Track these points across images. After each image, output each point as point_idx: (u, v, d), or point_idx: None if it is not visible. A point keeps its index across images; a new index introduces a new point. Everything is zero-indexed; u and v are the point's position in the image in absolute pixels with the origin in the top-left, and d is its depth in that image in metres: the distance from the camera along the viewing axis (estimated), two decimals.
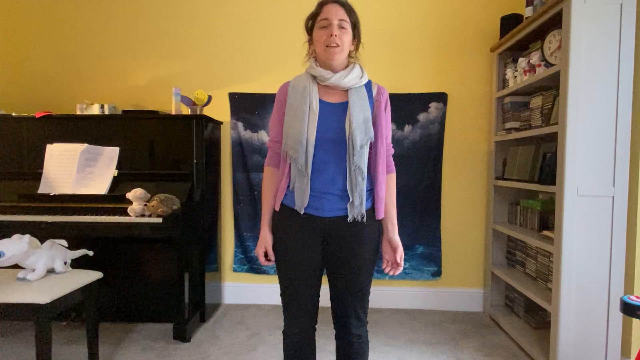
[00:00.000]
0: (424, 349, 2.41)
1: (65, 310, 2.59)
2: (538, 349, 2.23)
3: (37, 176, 2.59)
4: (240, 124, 3.02)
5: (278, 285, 1.51)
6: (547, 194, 2.55)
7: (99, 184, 2.52)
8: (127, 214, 2.35)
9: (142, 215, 2.34)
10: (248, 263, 3.08)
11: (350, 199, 1.38)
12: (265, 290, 3.10)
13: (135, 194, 2.34)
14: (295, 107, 1.40)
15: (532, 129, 2.37)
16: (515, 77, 2.60)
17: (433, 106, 2.96)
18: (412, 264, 3.02)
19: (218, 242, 3.03)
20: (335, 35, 1.36)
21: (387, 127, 1.47)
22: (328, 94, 1.43)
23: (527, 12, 2.41)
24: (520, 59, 2.50)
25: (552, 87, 2.36)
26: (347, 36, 1.40)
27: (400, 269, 1.47)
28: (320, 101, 1.41)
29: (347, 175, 1.38)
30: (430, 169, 2.97)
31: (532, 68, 2.39)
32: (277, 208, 1.46)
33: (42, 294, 1.71)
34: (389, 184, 1.48)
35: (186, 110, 2.86)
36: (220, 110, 3.05)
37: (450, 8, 2.95)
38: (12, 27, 3.12)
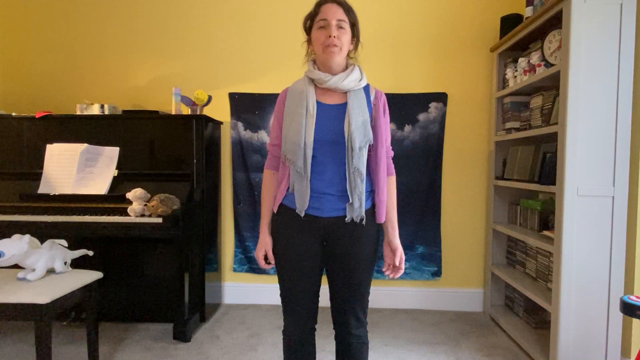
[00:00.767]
0: (424, 349, 2.41)
1: (65, 310, 2.59)
2: (538, 349, 2.23)
3: (37, 176, 2.59)
4: (240, 124, 3.02)
5: (278, 285, 1.52)
6: (547, 194, 2.55)
7: (99, 184, 2.52)
8: (127, 214, 2.35)
9: (142, 215, 2.34)
10: (248, 263, 3.08)
11: (350, 201, 1.38)
12: (265, 290, 3.10)
13: (135, 194, 2.34)
14: (292, 111, 1.40)
15: (532, 129, 2.37)
16: (515, 77, 2.60)
17: (433, 106, 2.96)
18: (412, 264, 3.02)
19: (218, 242, 3.03)
20: (334, 36, 1.36)
21: (387, 130, 1.47)
22: (326, 96, 1.43)
23: (527, 12, 2.41)
24: (520, 59, 2.50)
25: (552, 87, 2.36)
26: (346, 36, 1.40)
27: (401, 272, 1.47)
28: (318, 103, 1.41)
29: (347, 177, 1.38)
30: (430, 169, 2.97)
31: (532, 68, 2.39)
32: (276, 210, 1.46)
33: (42, 294, 1.71)
34: (389, 187, 1.48)
35: (186, 110, 2.86)
36: (220, 110, 3.06)
37: (450, 8, 2.95)
38: (12, 27, 3.12)
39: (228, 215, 3.10)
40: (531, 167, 2.41)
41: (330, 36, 1.36)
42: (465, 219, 3.03)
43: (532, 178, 2.38)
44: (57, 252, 1.92)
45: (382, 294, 3.06)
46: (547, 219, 2.46)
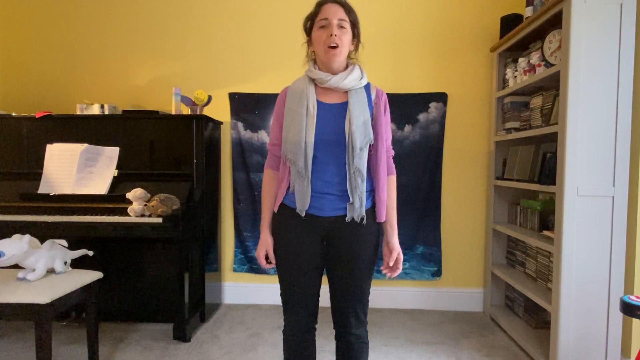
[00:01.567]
0: (424, 349, 2.41)
1: (65, 310, 2.59)
2: (538, 349, 2.23)
3: (37, 176, 2.59)
4: (240, 124, 3.02)
5: (278, 285, 1.53)
6: (547, 194, 2.55)
7: (99, 184, 2.52)
8: (127, 214, 2.35)
9: (142, 215, 2.34)
10: (248, 263, 3.08)
11: (351, 200, 1.38)
12: (265, 290, 3.10)
13: (135, 194, 2.34)
14: (293, 110, 1.40)
15: (532, 129, 2.37)
16: (515, 77, 2.60)
17: (433, 106, 2.96)
18: (412, 264, 3.02)
19: (218, 242, 3.03)
20: (335, 35, 1.36)
21: (387, 129, 1.47)
22: (327, 95, 1.43)
23: (527, 12, 2.41)
24: (520, 59, 2.50)
25: (552, 87, 2.36)
26: (347, 36, 1.40)
27: (398, 272, 1.46)
28: (319, 102, 1.41)
29: (347, 177, 1.38)
30: (430, 169, 2.97)
31: (532, 68, 2.39)
32: (276, 210, 1.46)
33: (42, 294, 1.71)
34: (389, 187, 1.48)
35: (186, 110, 2.86)
36: (220, 110, 3.06)
37: (450, 8, 2.95)
38: (12, 27, 3.12)
39: (228, 215, 3.10)
40: (531, 167, 2.41)
41: (331, 35, 1.36)
42: (465, 219, 3.03)
43: (532, 178, 2.38)
44: (57, 252, 1.92)
45: (382, 294, 3.06)
46: (547, 219, 2.46)
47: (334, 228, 1.42)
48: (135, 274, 2.70)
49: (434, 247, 3.01)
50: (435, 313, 2.98)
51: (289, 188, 1.43)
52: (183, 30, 3.05)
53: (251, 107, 3.02)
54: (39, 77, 3.13)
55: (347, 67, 1.45)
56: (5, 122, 2.67)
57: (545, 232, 2.35)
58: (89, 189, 2.51)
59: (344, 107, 1.41)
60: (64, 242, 1.98)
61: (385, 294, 3.06)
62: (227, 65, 3.05)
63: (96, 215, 2.37)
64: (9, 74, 3.14)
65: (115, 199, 2.47)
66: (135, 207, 2.33)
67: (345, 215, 1.40)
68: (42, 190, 2.52)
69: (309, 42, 1.47)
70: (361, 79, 1.44)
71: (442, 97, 2.95)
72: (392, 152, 1.52)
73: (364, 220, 1.41)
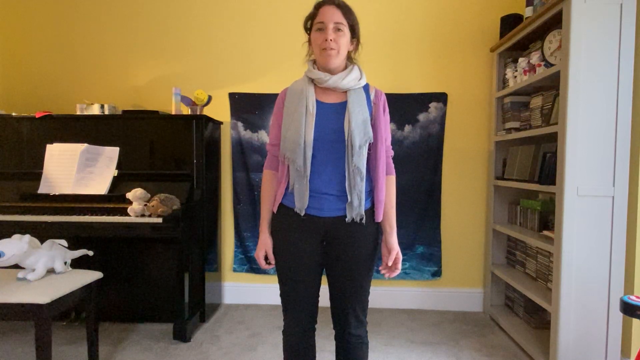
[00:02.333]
0: (424, 349, 2.41)
1: (65, 310, 2.59)
2: (538, 349, 2.23)
3: (37, 176, 2.59)
4: (240, 124, 3.02)
5: (278, 285, 1.52)
6: (547, 194, 2.55)
7: (99, 184, 2.52)
8: (127, 214, 2.35)
9: (142, 215, 2.34)
10: (248, 263, 3.08)
11: (349, 200, 1.38)
12: (265, 290, 3.10)
13: (135, 194, 2.34)
14: (292, 110, 1.40)
15: (532, 129, 2.37)
16: (515, 77, 2.60)
17: (433, 106, 2.96)
18: (412, 264, 3.02)
19: (218, 242, 3.03)
20: (331, 40, 1.36)
21: (387, 129, 1.47)
22: (326, 95, 1.43)
23: (527, 12, 2.41)
24: (520, 59, 2.50)
25: (552, 87, 2.36)
26: (344, 38, 1.39)
27: (397, 272, 1.46)
28: (318, 102, 1.41)
29: (346, 176, 1.38)
30: (430, 169, 2.97)
31: (532, 68, 2.39)
32: (275, 210, 1.46)
33: (42, 294, 1.71)
34: (388, 187, 1.48)
35: (186, 110, 2.86)
36: (220, 110, 3.06)
37: (450, 8, 2.95)
38: (12, 27, 3.12)
39: (228, 215, 3.10)
40: (531, 167, 2.41)
41: (327, 40, 1.36)
42: (465, 218, 3.03)
43: (532, 178, 2.38)
44: (57, 252, 1.92)
45: (382, 294, 3.06)
46: (547, 219, 2.46)
47: (334, 228, 1.42)
48: (135, 274, 2.70)
49: (434, 247, 3.01)
50: (435, 313, 2.98)
51: (288, 188, 1.43)
52: (183, 30, 3.05)
53: (251, 107, 3.02)
54: (39, 77, 3.13)
55: (346, 67, 1.46)
56: (5, 122, 2.67)
57: (545, 232, 2.35)
58: (89, 189, 2.51)
59: (343, 106, 1.41)
60: (64, 242, 1.98)
61: (385, 294, 3.06)
62: (227, 65, 3.05)
63: (96, 215, 2.37)
64: (9, 74, 3.14)
65: (115, 199, 2.47)
66: (135, 207, 2.33)
67: (345, 216, 1.40)
68: (42, 190, 2.52)
69: (310, 41, 1.47)
70: (360, 79, 1.44)
71: (442, 97, 2.95)
72: (392, 152, 1.52)
73: (363, 220, 1.41)
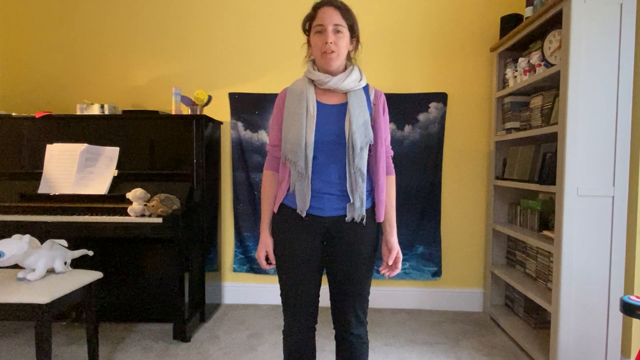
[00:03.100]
0: (424, 349, 2.41)
1: (65, 310, 2.59)
2: (538, 349, 2.23)
3: (37, 176, 2.59)
4: (240, 124, 3.02)
5: (278, 285, 1.53)
6: (547, 194, 2.55)
7: (99, 184, 2.52)
8: (127, 214, 2.35)
9: (142, 215, 2.34)
10: (248, 263, 3.08)
11: (351, 201, 1.38)
12: (265, 290, 3.10)
13: (135, 194, 2.34)
14: (292, 111, 1.40)
15: (532, 129, 2.37)
16: (515, 77, 2.60)
17: (433, 106, 2.96)
18: (412, 264, 3.02)
19: (218, 242, 3.03)
20: (331, 42, 1.36)
21: (386, 129, 1.47)
22: (326, 96, 1.43)
23: (527, 12, 2.41)
24: (520, 59, 2.50)
25: (552, 87, 2.36)
26: (344, 40, 1.39)
27: (397, 271, 1.46)
28: (318, 103, 1.41)
29: (347, 177, 1.38)
30: (430, 169, 2.97)
31: (532, 68, 2.39)
32: (276, 210, 1.46)
33: (42, 294, 1.71)
34: (388, 186, 1.48)
35: (186, 110, 2.86)
36: (220, 110, 3.06)
37: (450, 8, 2.95)
38: (12, 27, 3.12)
39: (228, 215, 3.10)
40: (531, 167, 2.41)
41: (326, 43, 1.36)
42: (465, 219, 3.03)
43: (532, 178, 2.38)
44: (57, 252, 1.92)
45: (382, 294, 3.06)
46: (547, 219, 2.46)
47: (334, 228, 1.42)
48: (135, 274, 2.70)
49: (434, 247, 3.01)
50: (435, 313, 2.98)
51: (289, 189, 1.43)
52: (183, 30, 3.05)
53: (251, 107, 3.02)
54: (39, 77, 3.13)
55: (346, 68, 1.46)
56: (5, 122, 2.67)
57: (545, 232, 2.35)
58: (89, 189, 2.51)
59: (343, 107, 1.41)
60: (64, 242, 1.98)
61: (385, 294, 3.06)
62: (227, 65, 3.05)
63: (96, 215, 2.37)
64: (9, 74, 3.14)
65: (115, 199, 2.47)
66: (135, 207, 2.33)
67: (345, 215, 1.40)
68: (42, 190, 2.52)
69: (309, 42, 1.47)
70: (360, 80, 1.44)
71: (442, 97, 2.95)
72: (391, 152, 1.52)
73: (364, 220, 1.41)
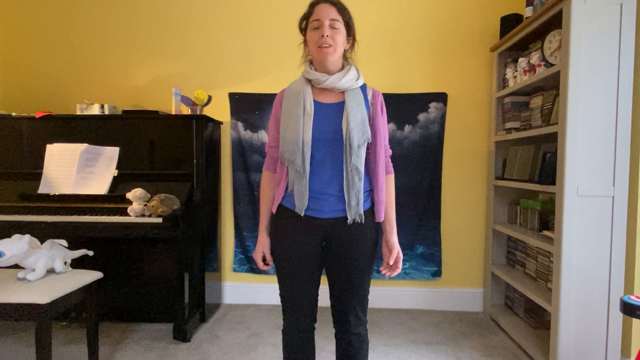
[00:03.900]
0: (424, 349, 2.41)
1: (65, 310, 2.59)
2: (538, 349, 2.23)
3: (37, 176, 2.59)
4: (240, 124, 3.02)
5: (278, 285, 1.53)
6: (547, 194, 2.55)
7: (99, 184, 2.52)
8: (127, 214, 2.35)
9: (142, 215, 2.34)
10: (248, 263, 3.08)
11: (347, 200, 1.38)
12: (265, 290, 3.10)
13: (135, 194, 2.34)
14: (290, 111, 1.40)
15: (532, 129, 2.37)
16: (515, 77, 2.60)
17: (433, 106, 2.96)
18: (412, 264, 3.02)
19: (218, 242, 3.03)
20: (327, 36, 1.36)
21: (384, 129, 1.48)
22: (324, 95, 1.44)
23: (527, 12, 2.41)
24: (520, 59, 2.50)
25: (552, 87, 2.36)
26: (340, 36, 1.39)
27: (397, 271, 1.47)
28: (316, 102, 1.42)
29: (344, 175, 1.38)
30: (430, 169, 2.97)
31: (532, 68, 2.39)
32: (275, 211, 1.46)
33: (42, 294, 1.71)
34: (387, 186, 1.48)
35: (186, 110, 2.86)
36: (220, 110, 3.06)
37: (450, 8, 2.95)
38: (12, 27, 3.12)
39: (228, 215, 3.10)
40: (531, 167, 2.41)
41: (323, 36, 1.36)
42: (465, 219, 3.03)
43: (532, 178, 2.38)
44: (57, 252, 1.92)
45: (382, 294, 3.06)
46: (547, 219, 2.46)
47: (334, 229, 1.42)
48: (135, 274, 2.70)
49: (434, 247, 3.01)
50: (435, 313, 2.98)
51: (287, 189, 1.43)
52: (183, 30, 3.05)
53: (251, 107, 3.02)
54: (39, 77, 3.13)
55: (343, 67, 1.46)
56: (5, 122, 2.67)
57: (545, 232, 2.35)
58: (89, 189, 2.51)
59: (340, 106, 1.41)
60: (64, 242, 1.98)
61: (385, 294, 3.06)
62: (227, 65, 3.05)
63: (96, 215, 2.37)
64: (9, 74, 3.14)
65: (115, 199, 2.47)
66: (135, 207, 2.33)
67: (344, 217, 1.40)
68: (42, 190, 2.52)
69: (305, 42, 1.47)
70: (357, 79, 1.44)
71: (442, 97, 2.95)
72: (390, 152, 1.52)
73: (363, 220, 1.41)
